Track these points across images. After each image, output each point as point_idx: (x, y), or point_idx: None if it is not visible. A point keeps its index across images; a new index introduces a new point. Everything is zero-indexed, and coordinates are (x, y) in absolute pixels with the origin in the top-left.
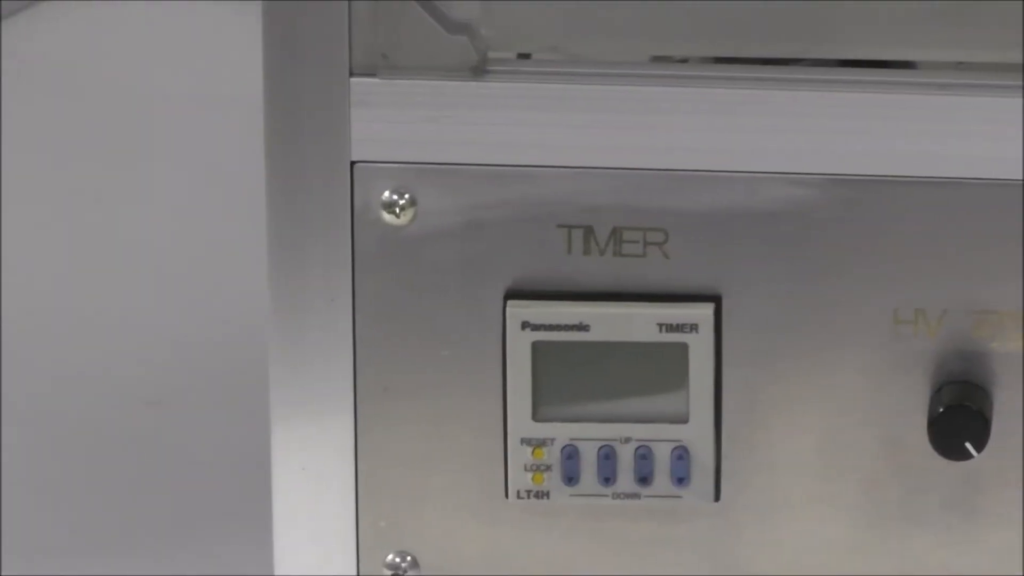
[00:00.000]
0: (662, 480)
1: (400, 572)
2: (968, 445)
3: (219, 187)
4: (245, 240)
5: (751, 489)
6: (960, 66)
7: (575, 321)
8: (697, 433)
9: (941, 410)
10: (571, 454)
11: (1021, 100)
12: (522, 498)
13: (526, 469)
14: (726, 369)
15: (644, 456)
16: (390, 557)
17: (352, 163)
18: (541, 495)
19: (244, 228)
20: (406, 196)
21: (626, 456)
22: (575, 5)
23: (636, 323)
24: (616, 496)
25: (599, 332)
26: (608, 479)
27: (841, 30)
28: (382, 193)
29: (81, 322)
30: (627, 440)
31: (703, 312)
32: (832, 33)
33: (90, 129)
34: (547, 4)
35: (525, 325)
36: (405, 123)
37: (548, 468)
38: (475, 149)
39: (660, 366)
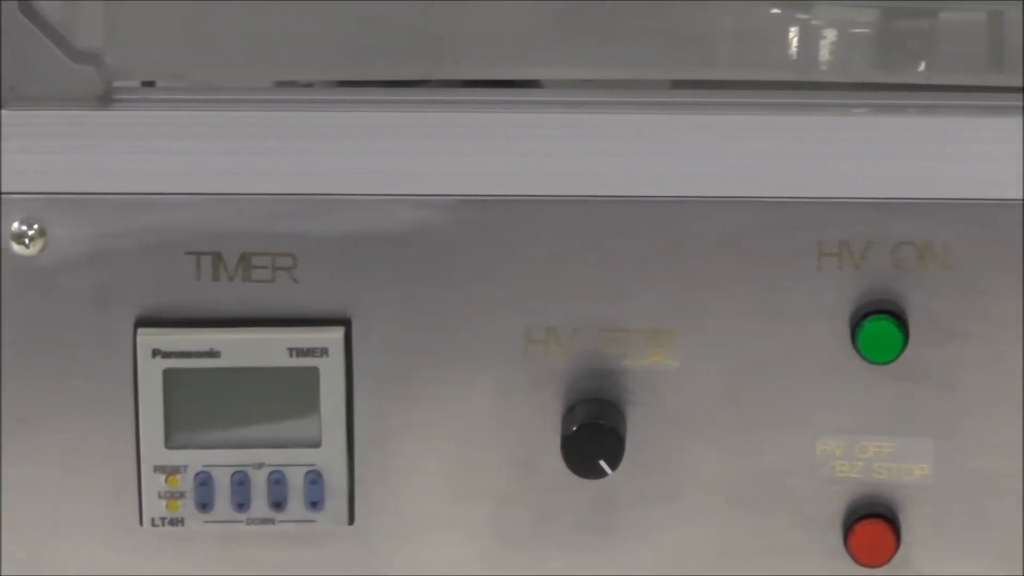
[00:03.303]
0: (296, 505)
1: None
2: (602, 463)
3: None
4: None
5: (384, 512)
6: (586, 84)
7: (205, 348)
8: (330, 457)
9: (574, 428)
10: (204, 480)
11: (648, 117)
12: (157, 525)
13: (160, 496)
14: (358, 392)
15: (278, 481)
16: None
17: None
18: (175, 522)
19: None
20: (35, 226)
21: (260, 481)
22: (196, 31)
23: (266, 348)
24: (250, 522)
25: (230, 358)
26: (242, 505)
27: (465, 51)
28: (11, 224)
29: None
30: (260, 465)
31: (333, 336)
32: (456, 54)
33: None
34: (170, 31)
35: (156, 353)
36: (34, 154)
37: (182, 495)
38: (103, 178)
39: (292, 391)
